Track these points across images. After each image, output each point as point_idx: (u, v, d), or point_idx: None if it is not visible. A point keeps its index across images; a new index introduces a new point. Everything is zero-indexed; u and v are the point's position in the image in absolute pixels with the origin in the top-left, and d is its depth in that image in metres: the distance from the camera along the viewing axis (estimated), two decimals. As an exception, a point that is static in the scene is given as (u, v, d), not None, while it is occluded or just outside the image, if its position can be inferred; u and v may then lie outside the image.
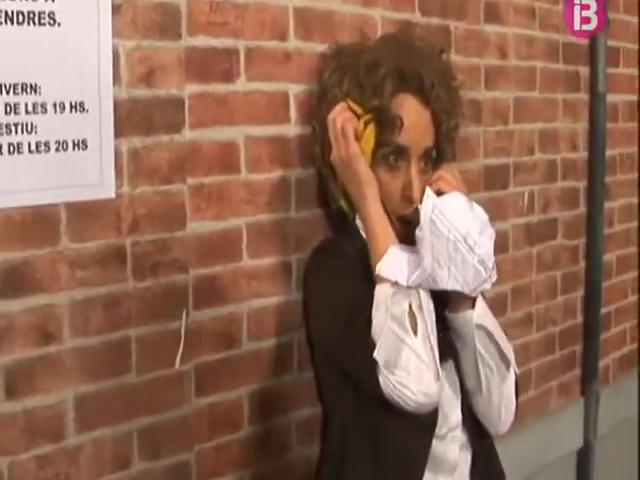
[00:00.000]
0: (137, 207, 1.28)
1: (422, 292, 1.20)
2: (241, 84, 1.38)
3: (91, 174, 1.23)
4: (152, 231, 1.30)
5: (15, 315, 1.17)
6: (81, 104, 1.20)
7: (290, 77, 1.44)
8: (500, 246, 1.94)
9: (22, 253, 1.17)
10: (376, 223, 1.25)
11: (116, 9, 1.22)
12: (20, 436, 1.18)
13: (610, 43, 2.25)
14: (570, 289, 2.22)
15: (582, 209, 2.24)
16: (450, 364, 1.31)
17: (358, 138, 1.26)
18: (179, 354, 1.34)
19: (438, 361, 1.19)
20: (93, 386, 1.25)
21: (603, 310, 2.34)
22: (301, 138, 1.46)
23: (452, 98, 1.36)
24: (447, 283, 1.19)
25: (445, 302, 1.27)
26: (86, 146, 1.21)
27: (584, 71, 2.19)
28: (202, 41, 1.32)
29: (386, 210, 1.28)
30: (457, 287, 1.19)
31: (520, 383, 2.06)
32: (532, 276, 2.07)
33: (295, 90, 1.45)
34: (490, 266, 1.20)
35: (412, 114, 1.29)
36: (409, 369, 1.16)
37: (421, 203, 1.20)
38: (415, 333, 1.18)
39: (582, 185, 2.23)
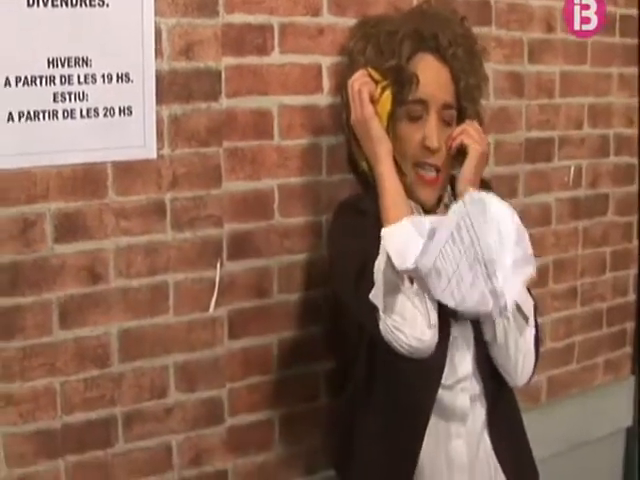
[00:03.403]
0: (176, 167, 1.42)
1: None
2: (275, 57, 1.49)
3: (135, 137, 1.38)
4: (190, 188, 1.43)
5: (68, 257, 1.33)
6: (126, 75, 1.35)
7: (323, 50, 1.54)
8: (542, 219, 1.99)
9: (75, 204, 1.33)
10: (386, 180, 1.32)
11: (158, -10, 1.36)
12: (71, 361, 1.35)
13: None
14: (621, 266, 2.17)
15: (637, 186, 2.18)
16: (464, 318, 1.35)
17: (374, 101, 1.34)
18: (213, 300, 1.47)
19: (434, 310, 1.23)
20: (134, 322, 1.40)
21: (660, 291, 2.27)
22: (333, 107, 1.55)
23: (472, 59, 1.40)
24: (439, 294, 1.13)
25: None
26: (131, 112, 1.37)
27: (644, 44, 2.13)
28: (238, 18, 1.44)
29: (400, 169, 1.35)
30: (450, 303, 1.13)
31: (562, 356, 2.09)
32: (578, 250, 2.05)
33: (328, 62, 1.55)
34: (502, 304, 1.10)
35: (429, 71, 1.35)
36: (404, 315, 1.22)
37: (456, 199, 1.21)
38: (412, 282, 1.23)
39: (637, 161, 2.17)
